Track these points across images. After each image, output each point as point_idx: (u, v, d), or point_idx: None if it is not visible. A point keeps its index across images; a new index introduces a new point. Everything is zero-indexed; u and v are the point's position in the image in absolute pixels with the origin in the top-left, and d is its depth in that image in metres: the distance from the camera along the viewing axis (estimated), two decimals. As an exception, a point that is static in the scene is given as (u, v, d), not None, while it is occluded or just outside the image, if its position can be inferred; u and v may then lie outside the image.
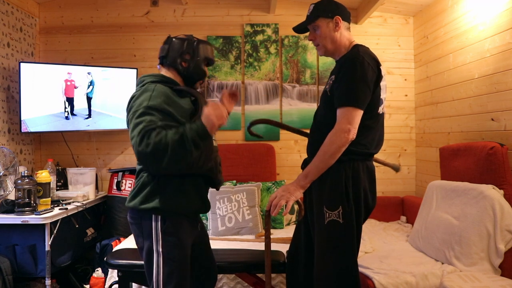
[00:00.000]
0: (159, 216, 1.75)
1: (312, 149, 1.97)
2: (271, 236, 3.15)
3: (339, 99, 1.83)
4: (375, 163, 2.03)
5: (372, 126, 1.91)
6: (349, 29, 2.01)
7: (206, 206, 1.91)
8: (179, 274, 1.77)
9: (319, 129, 1.96)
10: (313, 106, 3.83)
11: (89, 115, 3.59)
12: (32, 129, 3.36)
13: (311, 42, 2.03)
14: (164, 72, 1.93)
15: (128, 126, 1.78)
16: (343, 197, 1.84)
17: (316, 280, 1.89)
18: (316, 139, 1.95)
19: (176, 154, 1.63)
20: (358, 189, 1.86)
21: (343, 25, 1.96)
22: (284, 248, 2.79)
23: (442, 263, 2.49)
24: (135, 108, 1.72)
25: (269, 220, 1.99)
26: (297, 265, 2.10)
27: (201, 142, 1.66)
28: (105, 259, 2.46)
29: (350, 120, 1.79)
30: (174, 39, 1.92)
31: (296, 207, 3.52)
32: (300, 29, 2.05)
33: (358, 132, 1.83)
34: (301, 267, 2.07)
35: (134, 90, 1.87)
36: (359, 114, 1.81)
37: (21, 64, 3.29)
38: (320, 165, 1.82)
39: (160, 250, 1.75)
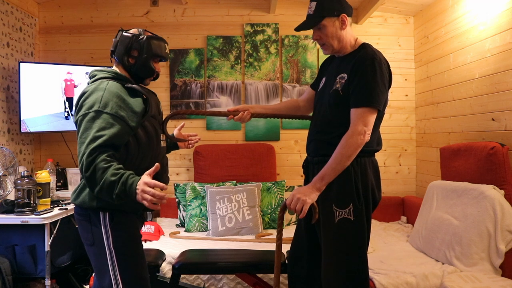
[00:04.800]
0: (107, 213, 1.74)
1: (318, 150, 1.95)
2: (271, 237, 3.16)
3: (357, 99, 1.80)
4: None
5: (378, 125, 1.91)
6: (351, 24, 1.96)
7: None
8: (136, 267, 1.78)
9: (325, 129, 1.92)
10: (313, 106, 3.82)
11: (89, 115, 3.58)
12: (32, 129, 3.36)
13: (311, 42, 2.01)
14: (115, 67, 1.87)
15: (75, 125, 1.74)
16: (353, 194, 1.83)
17: (325, 279, 1.86)
18: (322, 140, 1.93)
19: (101, 193, 1.62)
20: (366, 185, 1.85)
21: (348, 22, 1.91)
22: (284, 248, 2.78)
23: (443, 264, 2.49)
24: (86, 109, 1.68)
25: (282, 222, 1.97)
26: (299, 265, 2.08)
27: (125, 199, 1.62)
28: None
29: (366, 122, 1.78)
30: (123, 34, 1.84)
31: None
32: (303, 28, 1.97)
33: None
34: (303, 267, 2.06)
35: (86, 85, 1.82)
36: (375, 115, 1.81)
37: (21, 64, 3.28)
38: (337, 167, 1.80)
39: (112, 246, 1.73)
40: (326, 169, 1.82)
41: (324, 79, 2.04)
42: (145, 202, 1.55)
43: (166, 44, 1.91)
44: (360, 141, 1.78)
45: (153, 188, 1.55)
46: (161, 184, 1.58)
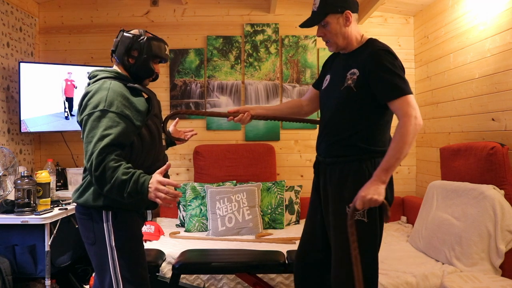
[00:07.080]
0: (110, 212, 1.75)
1: (330, 150, 1.88)
2: (271, 237, 3.16)
3: (390, 92, 1.75)
4: None
5: (390, 121, 1.88)
6: (357, 20, 1.91)
7: (154, 203, 1.84)
8: (137, 266, 1.79)
9: (336, 129, 1.86)
10: (313, 106, 3.82)
11: (89, 115, 3.58)
12: (32, 129, 3.36)
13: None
14: (115, 66, 1.88)
15: (80, 125, 1.75)
16: None
17: (335, 282, 1.81)
18: (334, 140, 1.87)
19: (111, 191, 1.63)
20: None
21: (353, 18, 1.86)
22: (284, 248, 2.79)
23: (443, 264, 2.49)
24: (91, 109, 1.69)
25: (353, 224, 1.76)
26: (310, 265, 1.99)
27: (136, 197, 1.64)
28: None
29: (413, 106, 1.75)
30: (124, 34, 1.85)
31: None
32: (307, 25, 1.92)
33: (379, 130, 1.82)
34: (316, 267, 1.98)
35: (87, 85, 1.82)
36: (414, 99, 1.78)
37: (21, 64, 3.28)
38: (401, 156, 1.74)
39: (114, 244, 1.75)
40: (389, 161, 1.74)
41: (328, 77, 1.98)
42: (158, 200, 1.59)
43: (166, 46, 1.91)
44: (418, 125, 1.76)
45: (166, 186, 1.58)
46: (175, 183, 1.62)
